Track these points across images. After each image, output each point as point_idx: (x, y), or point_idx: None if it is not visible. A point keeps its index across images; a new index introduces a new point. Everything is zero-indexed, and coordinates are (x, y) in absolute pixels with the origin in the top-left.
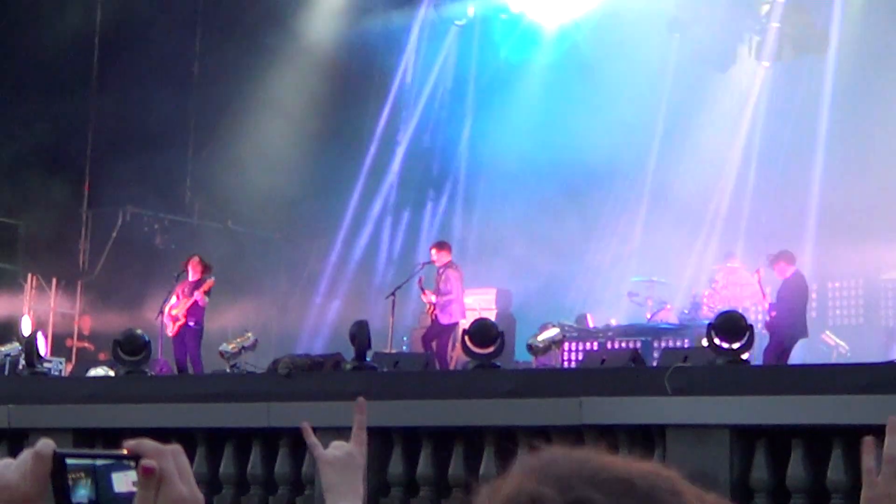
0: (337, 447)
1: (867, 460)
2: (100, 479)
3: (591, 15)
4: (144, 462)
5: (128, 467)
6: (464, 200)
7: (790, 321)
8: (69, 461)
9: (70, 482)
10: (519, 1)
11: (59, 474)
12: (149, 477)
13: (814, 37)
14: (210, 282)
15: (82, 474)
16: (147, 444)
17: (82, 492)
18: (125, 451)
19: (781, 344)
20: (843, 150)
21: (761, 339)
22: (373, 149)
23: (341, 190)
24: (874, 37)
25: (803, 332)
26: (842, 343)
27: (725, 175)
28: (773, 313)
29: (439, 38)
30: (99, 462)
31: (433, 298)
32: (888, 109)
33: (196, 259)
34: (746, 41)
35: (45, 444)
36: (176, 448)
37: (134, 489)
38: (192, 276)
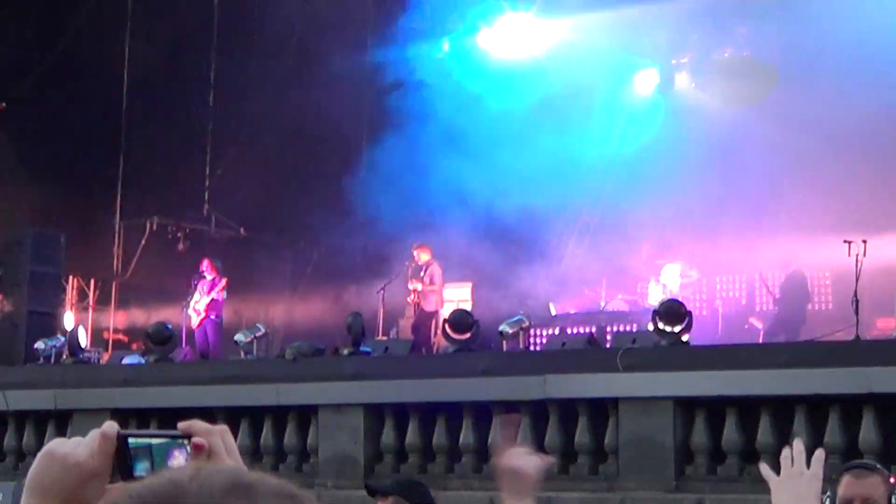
0: (518, 455)
1: (764, 470)
2: (157, 456)
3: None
4: (195, 440)
5: (181, 445)
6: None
7: (791, 310)
8: (131, 441)
9: (132, 459)
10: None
11: (122, 452)
12: (199, 453)
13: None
14: (225, 281)
15: (142, 452)
16: (198, 424)
17: (142, 467)
18: (178, 431)
19: (788, 329)
20: (782, 143)
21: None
22: (366, 146)
23: (339, 197)
24: None
25: (803, 320)
26: (760, 325)
27: (675, 173)
28: (776, 306)
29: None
30: (155, 441)
31: (419, 286)
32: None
33: (207, 260)
34: None
35: (111, 426)
36: (223, 428)
37: (187, 464)
38: (207, 276)
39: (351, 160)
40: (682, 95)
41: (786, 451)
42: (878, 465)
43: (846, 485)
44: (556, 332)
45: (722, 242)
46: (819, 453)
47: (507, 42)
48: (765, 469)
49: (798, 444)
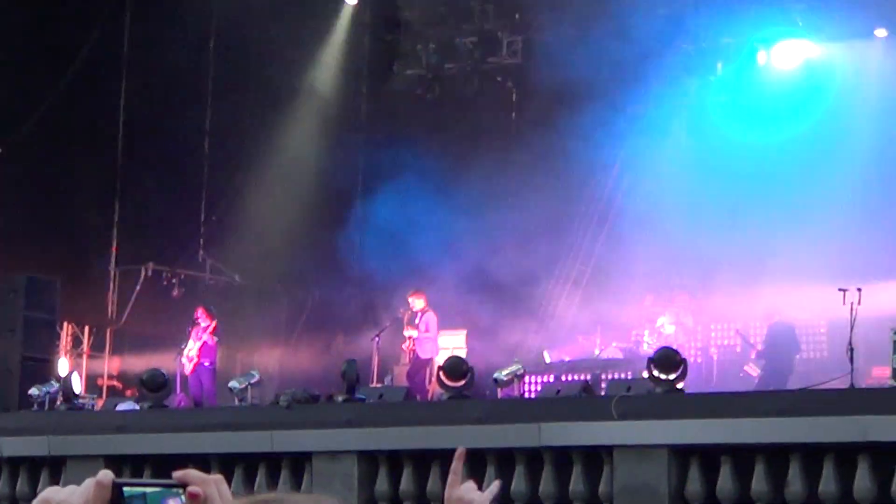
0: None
1: None
2: None
3: None
4: (191, 489)
5: (176, 494)
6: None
7: (777, 362)
8: (126, 489)
9: None
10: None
11: (117, 500)
12: (195, 502)
13: None
14: (214, 323)
15: (136, 500)
16: (193, 473)
17: None
18: (174, 480)
19: (774, 381)
20: (767, 201)
21: (696, 371)
22: (357, 199)
23: (330, 241)
24: None
25: (790, 370)
26: (759, 372)
27: (664, 223)
28: (761, 356)
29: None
30: (150, 490)
31: (414, 333)
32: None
33: (202, 308)
34: None
35: (105, 474)
36: (218, 477)
37: None
38: (202, 322)
39: (345, 211)
40: None
41: None
42: None
43: None
44: (551, 379)
45: (717, 290)
46: None
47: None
48: None
49: None
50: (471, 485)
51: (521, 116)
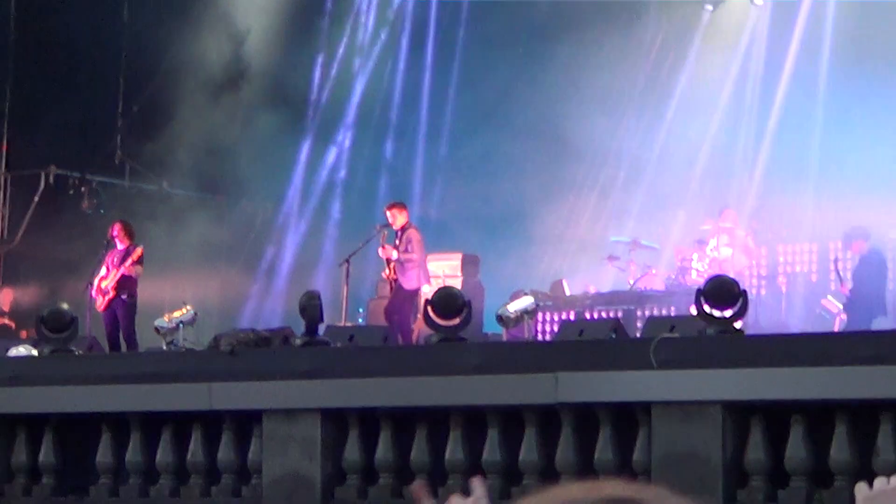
0: None
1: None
2: None
3: None
4: None
5: None
6: (424, 158)
7: (869, 300)
8: None
9: None
10: None
11: None
12: None
13: None
14: (139, 251)
15: None
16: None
17: None
18: None
19: (860, 324)
20: (844, 99)
21: (760, 307)
22: (324, 99)
23: (288, 146)
24: None
25: (882, 310)
26: (842, 308)
27: (714, 124)
28: (850, 294)
29: None
30: None
31: (394, 254)
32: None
33: (119, 225)
34: None
35: None
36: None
37: None
38: (119, 244)
39: (307, 109)
40: None
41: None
42: None
43: None
44: (572, 317)
45: (786, 203)
46: None
47: None
48: (861, 488)
49: None
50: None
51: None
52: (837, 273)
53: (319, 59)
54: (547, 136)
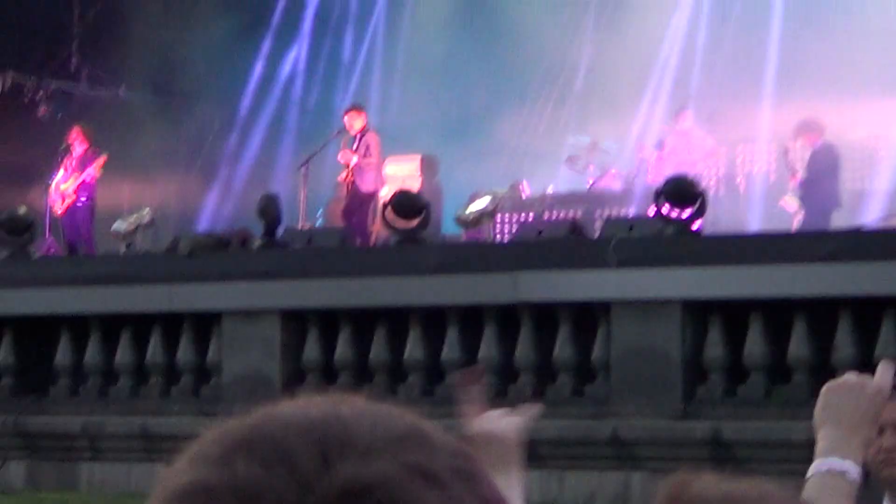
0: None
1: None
2: None
3: None
4: None
5: None
6: (382, 61)
7: (822, 193)
8: None
9: None
10: None
11: None
12: None
13: None
14: (103, 158)
15: None
16: None
17: None
18: None
19: (817, 217)
20: (803, 1)
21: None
22: (281, 1)
23: (245, 50)
24: None
25: (836, 203)
26: (801, 207)
27: (674, 25)
28: (802, 185)
29: None
30: None
31: (354, 158)
32: None
33: (77, 129)
34: None
35: None
36: None
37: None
38: (77, 148)
39: (268, 15)
40: None
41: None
42: None
43: None
44: (530, 217)
45: (745, 104)
46: (886, 364)
47: None
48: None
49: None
50: (495, 413)
51: None
52: (787, 163)
53: None
54: (504, 42)
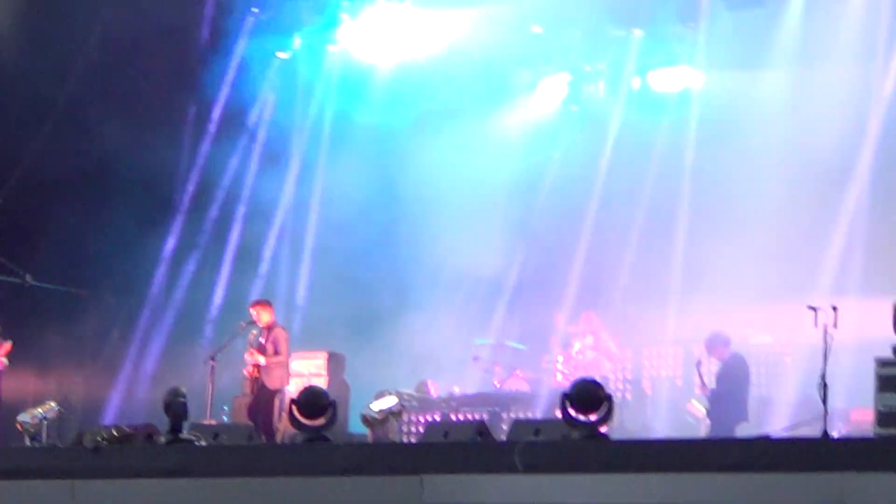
0: None
1: None
2: None
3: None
4: None
5: None
6: (289, 255)
7: (731, 405)
8: None
9: None
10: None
11: None
12: None
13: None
14: (9, 344)
15: None
16: None
17: None
18: None
19: (724, 429)
20: (707, 207)
21: (625, 411)
22: (187, 196)
23: (153, 242)
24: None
25: (744, 416)
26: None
27: (581, 227)
28: (712, 397)
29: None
30: None
31: (261, 360)
32: (756, 162)
33: None
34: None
35: None
36: None
37: None
38: None
39: (172, 200)
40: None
41: None
42: None
43: None
44: (437, 418)
45: (650, 307)
46: None
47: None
48: None
49: None
50: None
51: None
52: (700, 376)
53: (184, 148)
54: (402, 255)
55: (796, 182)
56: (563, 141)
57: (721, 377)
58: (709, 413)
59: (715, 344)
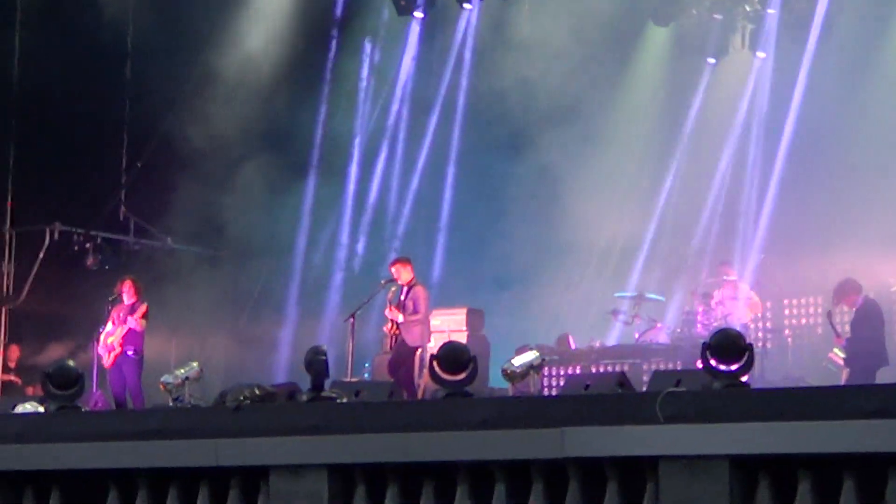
0: None
1: None
2: None
3: None
4: None
5: None
6: (427, 211)
7: (868, 351)
8: None
9: None
10: None
11: None
12: None
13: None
14: (145, 306)
15: None
16: None
17: None
18: None
19: (863, 376)
20: (845, 155)
21: (766, 361)
22: (318, 153)
23: (292, 202)
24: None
25: (884, 361)
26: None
27: (719, 177)
28: (848, 344)
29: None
30: None
31: (399, 317)
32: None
33: (129, 281)
34: (739, 30)
35: None
36: None
37: None
38: (126, 299)
39: (309, 165)
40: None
41: None
42: None
43: None
44: (577, 371)
45: (791, 257)
46: None
47: None
48: None
49: None
50: None
51: None
52: (832, 326)
53: (322, 113)
54: (546, 205)
55: None
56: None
57: (855, 324)
58: (846, 361)
59: (846, 291)
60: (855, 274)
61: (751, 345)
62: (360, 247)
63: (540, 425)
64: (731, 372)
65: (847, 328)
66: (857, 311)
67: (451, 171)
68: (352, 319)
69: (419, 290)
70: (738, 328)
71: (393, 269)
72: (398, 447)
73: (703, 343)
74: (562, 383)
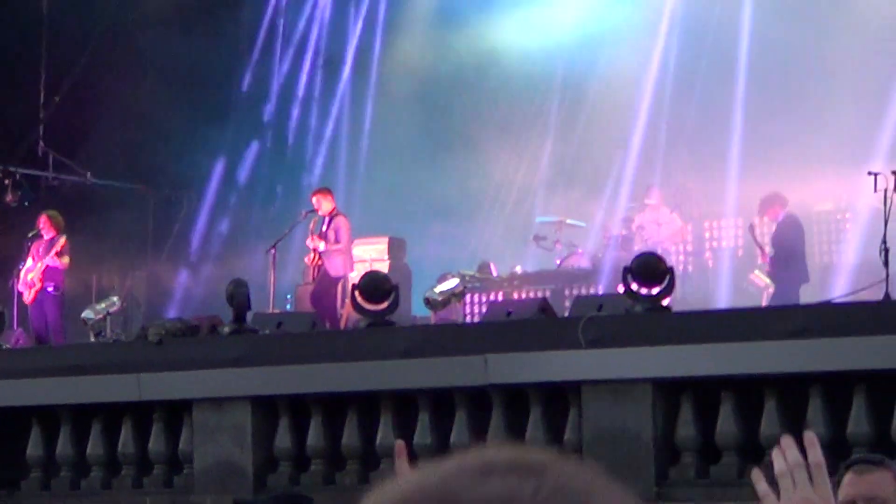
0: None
1: (760, 488)
2: None
3: None
4: None
5: None
6: (348, 140)
7: (790, 266)
8: None
9: None
10: None
11: None
12: None
13: None
14: (64, 241)
15: None
16: None
17: None
18: None
19: (788, 291)
20: (764, 77)
21: (687, 283)
22: (245, 86)
23: (212, 136)
24: None
25: (805, 277)
26: (770, 283)
27: (639, 103)
28: (771, 261)
29: None
30: None
31: (322, 245)
32: (815, 29)
33: (46, 216)
34: None
35: None
36: None
37: None
38: (45, 235)
39: (231, 99)
40: None
41: (775, 451)
42: (887, 459)
43: (847, 483)
44: (499, 298)
45: (711, 179)
46: (809, 436)
47: None
48: (756, 476)
49: (808, 435)
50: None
51: None
52: (755, 240)
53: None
54: (469, 124)
55: (854, 48)
56: (614, 19)
57: (776, 238)
58: (771, 276)
59: (772, 202)
60: (772, 196)
61: (671, 268)
62: (280, 176)
63: (463, 353)
64: (652, 295)
65: (767, 241)
66: (779, 224)
67: (370, 93)
68: (273, 251)
69: (341, 220)
70: (660, 251)
71: (314, 200)
72: (321, 378)
73: (625, 267)
74: (484, 310)
